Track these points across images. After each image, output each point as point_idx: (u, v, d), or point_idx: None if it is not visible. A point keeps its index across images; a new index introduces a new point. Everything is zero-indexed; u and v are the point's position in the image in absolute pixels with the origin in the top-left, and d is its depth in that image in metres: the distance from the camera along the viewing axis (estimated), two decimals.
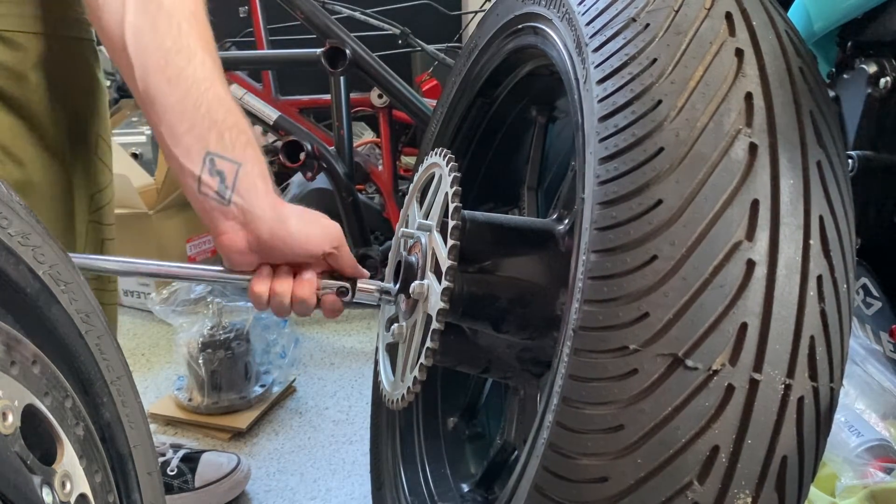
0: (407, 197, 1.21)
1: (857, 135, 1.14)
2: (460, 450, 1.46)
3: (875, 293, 1.27)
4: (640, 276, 0.67)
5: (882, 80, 1.08)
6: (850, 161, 1.10)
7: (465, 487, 1.36)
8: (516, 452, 1.29)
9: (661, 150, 0.69)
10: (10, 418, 0.58)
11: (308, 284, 1.00)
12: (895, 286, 1.23)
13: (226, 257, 0.99)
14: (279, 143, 2.27)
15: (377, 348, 1.27)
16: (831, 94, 1.16)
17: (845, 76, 1.16)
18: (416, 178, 1.19)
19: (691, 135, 0.69)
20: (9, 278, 0.64)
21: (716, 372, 0.65)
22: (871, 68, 1.09)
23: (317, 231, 0.99)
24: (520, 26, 1.15)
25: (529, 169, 1.39)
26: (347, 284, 1.04)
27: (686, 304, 0.66)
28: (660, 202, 0.68)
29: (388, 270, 1.17)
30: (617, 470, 0.66)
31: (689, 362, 0.65)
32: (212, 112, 0.94)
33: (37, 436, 0.62)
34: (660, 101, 0.71)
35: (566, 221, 1.06)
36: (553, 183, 1.47)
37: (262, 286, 0.99)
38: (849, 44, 1.14)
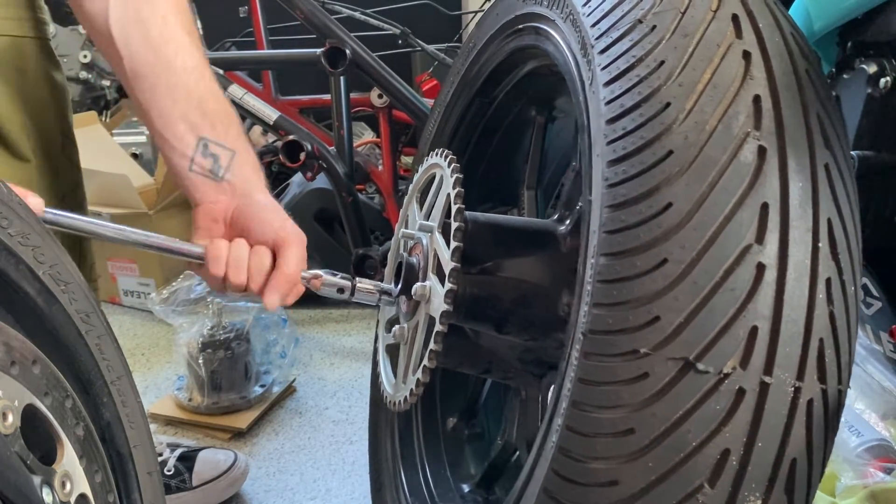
0: (406, 197, 1.21)
1: (857, 135, 1.15)
2: (460, 450, 1.45)
3: (875, 293, 1.27)
4: (650, 280, 0.67)
5: (882, 80, 1.08)
6: None
7: (466, 488, 1.36)
8: (517, 453, 1.29)
9: (671, 153, 0.69)
10: (10, 418, 0.58)
11: (265, 255, 0.99)
12: (895, 286, 1.23)
13: (199, 223, 1.01)
14: (279, 143, 2.27)
15: (376, 348, 1.27)
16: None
17: (845, 76, 1.16)
18: (415, 179, 1.19)
19: (700, 138, 0.69)
20: (9, 278, 0.64)
21: (726, 375, 0.65)
22: (871, 68, 1.09)
23: (288, 224, 1.00)
24: (520, 26, 1.15)
25: (528, 168, 1.39)
26: (347, 283, 1.04)
27: (697, 307, 0.66)
28: (669, 205, 0.68)
29: (388, 271, 1.17)
30: (627, 473, 0.66)
31: (700, 366, 0.65)
32: (203, 103, 0.99)
33: (37, 436, 0.62)
34: (668, 104, 0.71)
35: (568, 222, 1.06)
36: (551, 182, 1.47)
37: (220, 249, 0.98)
38: (849, 44, 1.14)
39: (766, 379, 0.66)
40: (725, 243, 0.67)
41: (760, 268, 0.66)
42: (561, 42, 0.97)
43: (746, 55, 0.74)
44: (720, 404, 0.65)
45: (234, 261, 0.98)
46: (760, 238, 0.67)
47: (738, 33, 0.75)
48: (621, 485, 0.67)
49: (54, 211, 0.87)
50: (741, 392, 0.65)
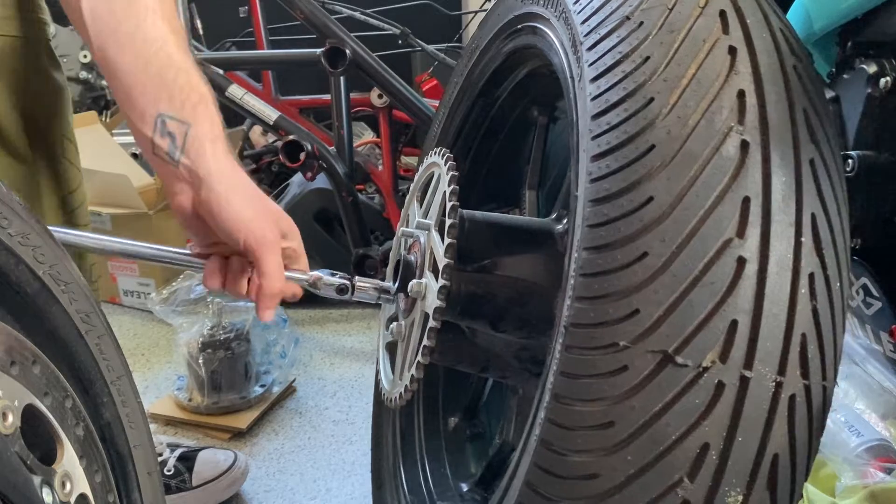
0: (408, 196, 1.22)
1: (857, 135, 1.14)
2: (461, 449, 1.46)
3: (875, 293, 1.26)
4: (630, 273, 0.67)
5: (882, 80, 1.08)
6: (850, 161, 1.09)
7: (465, 487, 1.36)
8: (514, 451, 1.29)
9: (653, 147, 0.69)
10: (10, 418, 0.58)
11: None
12: (895, 286, 1.23)
13: (178, 220, 0.96)
14: (279, 143, 2.27)
15: (378, 347, 1.27)
16: (831, 94, 1.16)
17: (845, 76, 1.15)
18: (416, 178, 1.19)
19: (683, 132, 0.69)
20: (9, 278, 0.64)
21: (706, 369, 0.65)
22: (871, 68, 1.09)
23: (249, 216, 0.93)
24: (519, 26, 1.16)
25: (530, 169, 1.39)
26: (347, 282, 1.04)
27: (676, 300, 0.66)
28: (651, 199, 0.68)
29: (389, 269, 1.17)
30: (607, 466, 0.66)
31: (679, 359, 0.65)
32: (162, 72, 0.92)
33: (37, 436, 0.62)
34: (652, 99, 0.71)
35: (565, 221, 1.06)
36: (555, 183, 1.47)
37: (213, 271, 0.97)
38: (849, 44, 1.14)
39: (746, 373, 0.65)
40: (705, 237, 0.67)
41: (741, 262, 0.66)
42: (555, 40, 0.97)
43: (732, 50, 0.74)
44: (699, 398, 0.65)
45: (230, 277, 0.97)
46: (741, 232, 0.67)
47: (725, 29, 0.75)
48: (601, 478, 0.66)
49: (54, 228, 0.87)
50: (720, 386, 0.65)
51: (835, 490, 1.18)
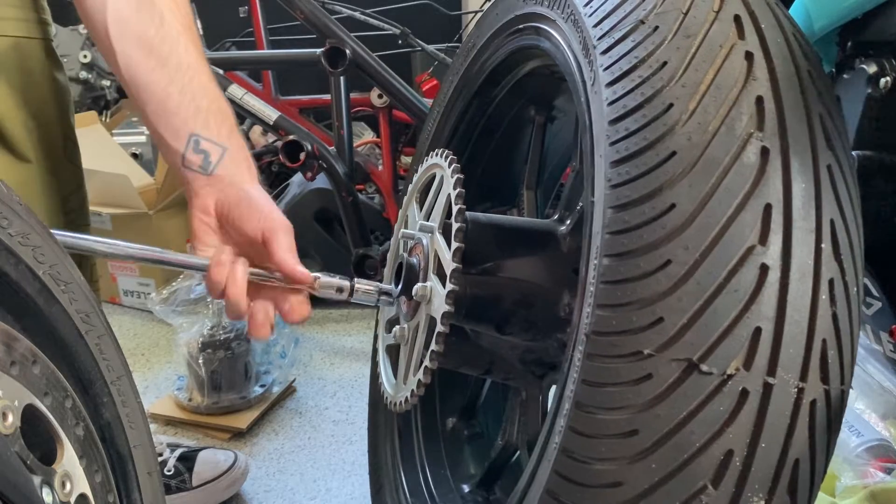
0: (406, 197, 1.21)
1: (857, 135, 1.15)
2: (460, 450, 1.45)
3: (875, 293, 1.27)
4: (653, 281, 0.67)
5: (882, 80, 1.08)
6: None
7: (466, 488, 1.36)
8: (518, 453, 1.29)
9: (674, 153, 0.69)
10: (10, 418, 0.58)
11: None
12: (895, 286, 1.23)
13: (194, 216, 1.02)
14: (279, 143, 2.27)
15: (375, 349, 1.27)
16: None
17: (845, 76, 1.16)
18: (415, 179, 1.18)
19: (703, 138, 0.69)
20: (9, 278, 0.64)
21: (730, 376, 0.65)
22: (871, 68, 1.09)
23: (269, 208, 1.01)
24: (521, 26, 1.15)
25: (528, 168, 1.38)
26: (346, 284, 1.03)
27: (700, 308, 0.66)
28: (673, 206, 0.68)
29: (388, 271, 1.16)
30: (631, 475, 0.66)
31: (704, 367, 0.65)
32: (196, 99, 1.00)
33: (37, 436, 0.62)
34: (671, 105, 0.71)
35: (568, 222, 1.06)
36: (550, 182, 1.47)
37: (225, 256, 0.98)
38: (849, 44, 1.14)
39: (770, 380, 0.65)
40: (729, 244, 0.67)
41: (764, 269, 0.66)
42: (562, 42, 0.97)
43: (749, 56, 0.74)
44: (724, 405, 0.65)
45: (233, 275, 0.98)
46: (764, 239, 0.67)
47: (741, 34, 0.75)
48: (625, 486, 0.66)
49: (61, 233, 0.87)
50: (745, 393, 0.65)
51: (835, 490, 1.19)
